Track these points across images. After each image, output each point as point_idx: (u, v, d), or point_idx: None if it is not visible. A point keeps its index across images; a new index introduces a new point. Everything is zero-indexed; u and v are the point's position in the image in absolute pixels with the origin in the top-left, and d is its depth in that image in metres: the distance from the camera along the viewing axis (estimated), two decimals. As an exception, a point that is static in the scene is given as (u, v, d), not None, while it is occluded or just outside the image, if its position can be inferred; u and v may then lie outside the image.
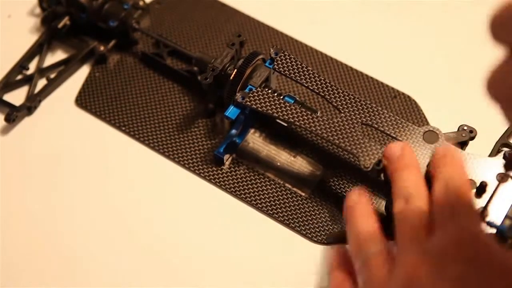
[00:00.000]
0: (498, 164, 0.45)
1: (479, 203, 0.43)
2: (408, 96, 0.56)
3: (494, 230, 0.42)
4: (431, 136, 0.46)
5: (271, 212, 0.50)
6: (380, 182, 0.45)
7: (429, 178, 0.43)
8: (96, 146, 0.54)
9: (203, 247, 0.49)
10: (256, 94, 0.49)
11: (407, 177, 0.42)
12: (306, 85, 0.49)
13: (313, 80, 0.49)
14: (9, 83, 0.57)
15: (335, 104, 0.48)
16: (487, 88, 0.28)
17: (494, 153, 0.48)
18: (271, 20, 0.61)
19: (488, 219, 0.42)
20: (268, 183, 0.52)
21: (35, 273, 0.48)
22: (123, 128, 0.55)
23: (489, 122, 0.48)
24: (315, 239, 0.49)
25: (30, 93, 0.57)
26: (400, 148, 0.43)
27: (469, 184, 0.41)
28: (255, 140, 0.54)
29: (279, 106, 0.48)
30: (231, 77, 0.50)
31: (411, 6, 0.62)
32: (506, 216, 0.42)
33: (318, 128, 0.47)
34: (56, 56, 0.60)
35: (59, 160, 0.54)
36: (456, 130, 0.47)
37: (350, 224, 0.41)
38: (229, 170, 0.52)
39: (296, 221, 0.50)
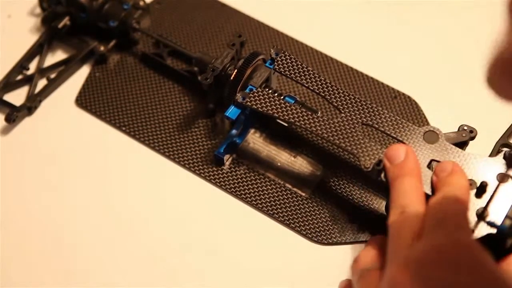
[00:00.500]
0: (498, 164, 0.45)
1: (479, 203, 0.43)
2: (408, 96, 0.56)
3: (494, 230, 0.42)
4: (431, 136, 0.46)
5: (271, 212, 0.50)
6: (380, 182, 0.45)
7: (432, 188, 0.43)
8: (96, 146, 0.54)
9: (203, 247, 0.49)
10: (257, 95, 0.49)
11: (407, 186, 0.42)
12: (307, 85, 0.49)
13: (314, 80, 0.49)
14: (9, 83, 0.57)
15: (335, 104, 0.48)
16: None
17: (494, 153, 0.48)
18: (271, 20, 0.61)
19: (488, 219, 0.42)
20: (269, 183, 0.52)
21: (36, 273, 0.48)
22: (123, 128, 0.55)
23: (489, 122, 0.49)
24: (315, 239, 0.49)
25: (30, 93, 0.57)
26: (404, 153, 0.43)
27: (468, 201, 0.41)
28: (255, 140, 0.54)
29: (279, 107, 0.48)
30: (232, 77, 0.50)
31: (411, 6, 0.62)
32: (506, 216, 0.42)
33: (319, 128, 0.47)
34: (56, 56, 0.60)
35: (59, 160, 0.54)
36: (456, 130, 0.47)
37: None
38: (229, 170, 0.52)
39: (296, 221, 0.50)
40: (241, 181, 0.52)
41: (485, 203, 0.43)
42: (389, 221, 0.41)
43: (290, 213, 0.50)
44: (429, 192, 0.43)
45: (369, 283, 0.40)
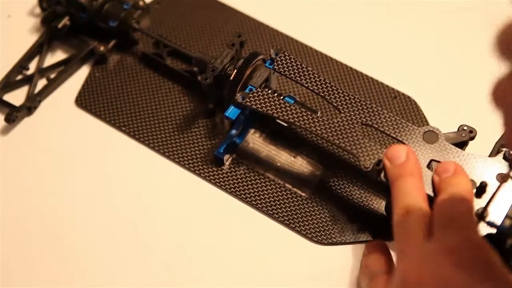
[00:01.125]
0: (498, 164, 0.45)
1: (479, 203, 0.43)
2: (408, 97, 0.56)
3: (494, 230, 0.42)
4: (431, 136, 0.46)
5: (271, 212, 0.50)
6: (379, 182, 0.46)
7: (434, 189, 0.43)
8: (96, 146, 0.54)
9: (203, 247, 0.49)
10: (256, 95, 0.49)
11: (409, 186, 0.42)
12: (306, 86, 0.49)
13: (313, 80, 0.49)
14: (9, 83, 0.57)
15: (335, 105, 0.48)
16: (493, 97, 0.30)
17: (494, 153, 0.48)
18: (271, 20, 0.61)
19: (488, 219, 0.42)
20: (268, 184, 0.52)
21: (36, 273, 0.48)
22: (123, 128, 0.55)
23: (489, 122, 0.48)
24: (315, 239, 0.49)
25: (30, 93, 0.57)
26: (405, 153, 0.43)
27: (472, 198, 0.41)
28: (255, 141, 0.54)
29: (279, 107, 0.48)
30: (231, 77, 0.50)
31: (411, 6, 0.62)
32: (506, 216, 0.42)
33: (318, 128, 0.47)
34: (56, 56, 0.60)
35: (59, 160, 0.54)
36: (456, 130, 0.47)
37: (364, 259, 0.46)
38: (229, 171, 0.52)
39: (296, 221, 0.50)
40: (241, 181, 0.52)
41: (485, 203, 0.43)
42: (394, 222, 0.41)
43: (290, 213, 0.50)
44: (430, 192, 0.43)
45: (378, 286, 0.41)
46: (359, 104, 0.48)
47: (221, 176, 0.52)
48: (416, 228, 0.39)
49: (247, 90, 0.49)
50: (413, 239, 0.38)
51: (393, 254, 0.45)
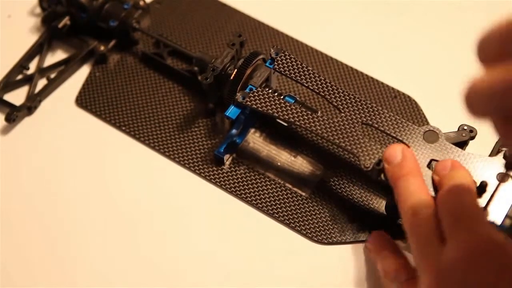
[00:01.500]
0: (498, 164, 0.45)
1: (480, 202, 0.43)
2: (408, 96, 0.56)
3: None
4: (431, 136, 0.46)
5: (271, 212, 0.50)
6: (380, 182, 0.46)
7: (434, 186, 0.43)
8: (96, 146, 0.54)
9: (203, 247, 0.49)
10: (257, 94, 0.49)
11: (411, 186, 0.42)
12: (307, 85, 0.49)
13: (314, 80, 0.49)
14: (9, 83, 0.57)
15: (335, 104, 0.48)
16: (465, 100, 0.28)
17: (494, 153, 0.48)
18: (271, 20, 0.61)
19: (488, 218, 0.42)
20: (269, 183, 0.52)
21: (36, 273, 0.48)
22: (123, 128, 0.55)
23: (489, 122, 0.48)
24: (315, 239, 0.49)
25: (30, 93, 0.57)
26: (401, 152, 0.43)
27: (474, 188, 0.41)
28: (255, 140, 0.54)
29: (279, 106, 0.48)
30: (232, 77, 0.50)
31: (411, 6, 0.62)
32: (507, 216, 0.42)
33: (319, 128, 0.47)
34: (56, 56, 0.60)
35: (59, 160, 0.54)
36: (456, 130, 0.47)
37: (378, 262, 0.45)
38: (229, 170, 0.52)
39: (296, 221, 0.50)
40: (241, 180, 0.52)
41: (485, 203, 0.43)
42: (404, 225, 0.40)
43: (290, 213, 0.50)
44: (432, 192, 0.43)
45: None
46: (359, 104, 0.48)
47: (221, 176, 0.52)
48: (428, 232, 0.38)
49: (247, 90, 0.50)
50: (429, 245, 0.37)
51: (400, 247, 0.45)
